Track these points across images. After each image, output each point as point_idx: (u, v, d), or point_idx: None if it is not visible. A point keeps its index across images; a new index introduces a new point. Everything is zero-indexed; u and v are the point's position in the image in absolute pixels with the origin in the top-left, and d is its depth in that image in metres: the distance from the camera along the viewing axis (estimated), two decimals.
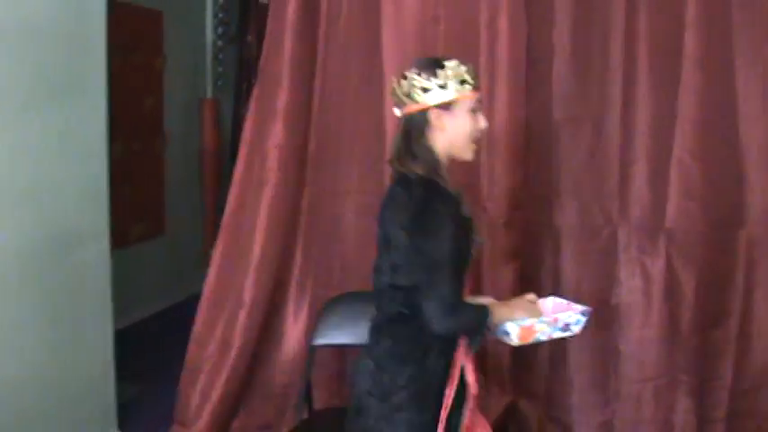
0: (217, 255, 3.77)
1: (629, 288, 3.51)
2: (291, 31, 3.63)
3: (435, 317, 2.17)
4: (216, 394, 3.71)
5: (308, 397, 3.28)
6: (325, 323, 3.29)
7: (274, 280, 3.75)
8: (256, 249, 3.67)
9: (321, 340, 3.28)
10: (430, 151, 2.28)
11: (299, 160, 3.74)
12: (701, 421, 3.47)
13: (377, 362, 2.32)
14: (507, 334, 2.28)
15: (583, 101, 3.51)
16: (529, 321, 2.29)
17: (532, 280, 3.60)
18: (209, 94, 6.88)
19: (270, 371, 3.83)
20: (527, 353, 3.60)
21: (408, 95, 2.28)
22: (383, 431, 2.27)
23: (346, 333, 3.22)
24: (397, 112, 2.34)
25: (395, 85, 2.33)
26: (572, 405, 3.61)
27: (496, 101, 3.48)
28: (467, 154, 2.34)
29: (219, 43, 6.96)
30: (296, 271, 3.83)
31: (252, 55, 6.53)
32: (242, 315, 3.68)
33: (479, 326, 2.28)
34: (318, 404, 3.56)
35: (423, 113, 2.27)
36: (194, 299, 6.49)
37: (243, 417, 3.85)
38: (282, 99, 3.65)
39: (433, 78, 2.26)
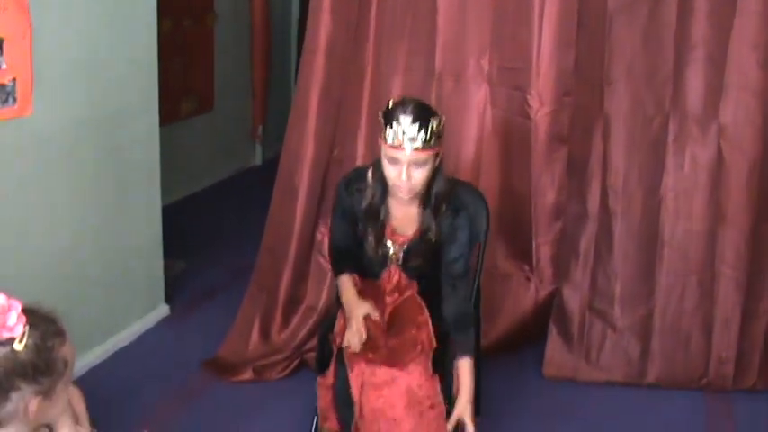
0: None
1: (677, 178, 3.44)
2: None
3: None
4: None
5: None
6: None
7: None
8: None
9: None
10: None
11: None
12: (745, 315, 3.46)
13: None
14: None
15: None
16: None
17: (581, 166, 3.55)
18: None
19: None
20: (572, 243, 3.61)
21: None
22: None
23: None
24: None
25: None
26: (615, 296, 3.60)
27: None
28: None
29: None
30: None
31: None
32: None
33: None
34: None
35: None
36: (241, 175, 6.68)
37: None
38: None
39: None
